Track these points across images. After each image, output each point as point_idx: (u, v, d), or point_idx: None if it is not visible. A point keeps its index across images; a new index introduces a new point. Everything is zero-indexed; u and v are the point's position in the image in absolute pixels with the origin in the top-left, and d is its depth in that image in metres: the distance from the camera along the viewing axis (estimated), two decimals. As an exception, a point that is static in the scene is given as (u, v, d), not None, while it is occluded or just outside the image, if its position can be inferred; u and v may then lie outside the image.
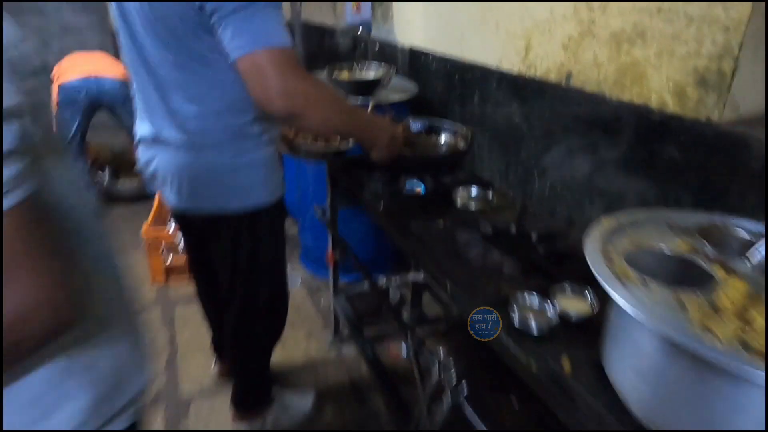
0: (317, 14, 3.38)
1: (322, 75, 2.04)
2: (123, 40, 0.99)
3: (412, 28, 2.25)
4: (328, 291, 2.04)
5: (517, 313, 0.80)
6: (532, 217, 1.21)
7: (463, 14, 1.87)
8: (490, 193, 1.24)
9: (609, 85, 1.33)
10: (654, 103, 1.22)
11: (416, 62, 2.24)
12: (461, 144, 1.38)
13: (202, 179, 1.00)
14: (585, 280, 0.91)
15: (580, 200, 1.51)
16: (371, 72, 2.05)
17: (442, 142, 1.45)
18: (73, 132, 2.90)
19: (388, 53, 2.48)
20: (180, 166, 1.00)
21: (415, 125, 1.49)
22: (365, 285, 1.91)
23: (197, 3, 0.82)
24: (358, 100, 1.88)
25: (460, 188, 1.25)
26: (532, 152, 1.66)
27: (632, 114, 1.28)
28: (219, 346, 1.41)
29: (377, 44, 2.58)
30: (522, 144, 1.70)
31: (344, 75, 1.97)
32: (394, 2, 2.34)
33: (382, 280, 2.02)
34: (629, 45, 1.25)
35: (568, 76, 1.45)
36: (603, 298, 0.82)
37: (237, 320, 1.22)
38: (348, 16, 2.93)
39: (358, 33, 2.80)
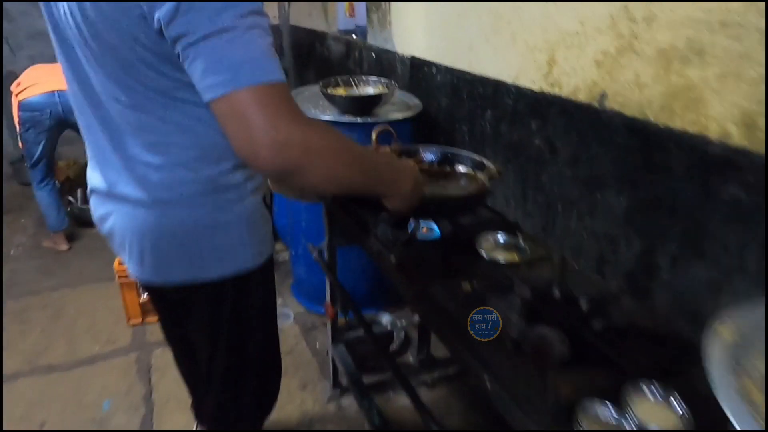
0: (307, 18, 3.17)
1: (314, 89, 1.83)
2: (62, 66, 0.78)
3: (413, 36, 2.05)
4: (326, 330, 1.83)
5: None
6: (569, 268, 1.02)
7: (472, 23, 1.68)
8: (520, 240, 1.04)
9: (654, 109, 1.14)
10: (713, 133, 1.03)
11: (418, 74, 2.04)
12: (482, 178, 1.18)
13: (169, 244, 0.79)
14: (663, 374, 0.71)
15: (615, 239, 1.32)
16: (370, 87, 1.84)
17: (461, 177, 1.25)
18: (38, 154, 2.64)
19: (385, 63, 2.28)
20: (141, 229, 0.79)
21: (428, 155, 1.29)
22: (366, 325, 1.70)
23: (155, 26, 0.62)
24: (356, 119, 1.68)
25: (485, 235, 1.05)
26: (556, 180, 1.47)
27: (684, 144, 1.09)
28: (200, 412, 1.21)
29: (373, 52, 2.38)
30: (543, 170, 1.51)
31: (340, 91, 1.76)
32: (392, 7, 2.14)
33: (385, 319, 1.82)
34: (681, 64, 1.06)
35: (603, 96, 1.26)
36: (701, 408, 0.63)
37: (221, 397, 1.02)
38: (341, 21, 2.72)
39: (353, 39, 2.59)
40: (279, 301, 1.66)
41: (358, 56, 2.56)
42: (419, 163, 1.25)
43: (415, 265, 1.00)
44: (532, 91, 1.48)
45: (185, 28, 0.61)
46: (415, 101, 1.92)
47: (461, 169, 1.25)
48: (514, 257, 1.02)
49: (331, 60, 2.91)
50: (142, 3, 0.62)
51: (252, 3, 0.63)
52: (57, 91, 2.52)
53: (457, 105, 1.84)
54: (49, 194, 2.72)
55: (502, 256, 1.01)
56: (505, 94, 1.60)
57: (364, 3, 2.40)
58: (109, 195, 0.81)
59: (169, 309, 0.94)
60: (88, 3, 0.66)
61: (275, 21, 3.54)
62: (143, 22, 0.63)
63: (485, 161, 1.21)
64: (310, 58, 3.24)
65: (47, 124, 2.58)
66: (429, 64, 1.96)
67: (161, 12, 0.61)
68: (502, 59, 1.58)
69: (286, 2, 3.19)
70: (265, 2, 3.57)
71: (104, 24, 0.66)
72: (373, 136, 1.25)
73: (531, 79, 1.48)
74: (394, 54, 2.19)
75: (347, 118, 1.69)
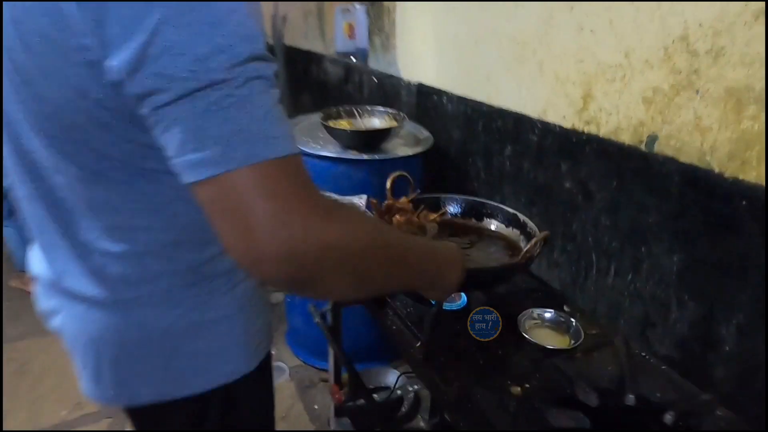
0: (303, 39, 3.00)
1: (313, 119, 1.65)
2: None
3: (421, 62, 1.88)
4: (325, 389, 1.63)
5: None
6: (634, 355, 0.84)
7: (491, 49, 1.51)
8: (572, 321, 0.86)
9: (720, 158, 0.97)
10: (800, 190, 0.86)
11: (425, 103, 1.87)
12: (522, 244, 1.00)
13: (134, 356, 0.59)
14: None
15: (664, 301, 1.14)
16: (376, 119, 1.67)
17: (491, 235, 1.07)
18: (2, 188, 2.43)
19: (389, 89, 2.11)
20: (97, 337, 0.58)
21: (452, 206, 1.11)
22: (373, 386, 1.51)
23: (112, 77, 0.43)
24: (361, 155, 1.50)
25: (527, 311, 0.87)
26: (590, 228, 1.29)
27: (758, 200, 0.92)
28: None
29: (375, 77, 2.21)
30: (575, 216, 1.33)
31: (343, 123, 1.59)
32: (397, 29, 1.98)
33: (392, 378, 1.63)
34: (757, 107, 0.89)
35: (652, 139, 1.09)
36: None
37: None
38: (339, 42, 2.56)
39: (352, 62, 2.43)
40: (272, 352, 1.46)
41: (358, 81, 2.40)
42: (440, 216, 1.07)
43: (446, 354, 0.81)
44: (562, 128, 1.32)
45: (156, 82, 0.42)
46: (424, 133, 1.74)
47: (492, 225, 1.07)
48: (566, 341, 0.84)
49: (329, 84, 2.74)
50: (87, 42, 0.43)
51: (252, 43, 0.45)
52: None
53: (471, 138, 1.67)
54: (16, 230, 2.51)
55: (551, 340, 0.83)
56: (528, 129, 1.43)
57: (364, 24, 2.24)
58: (57, 288, 0.61)
59: (138, 420, 0.74)
60: (18, 44, 0.47)
61: (269, 41, 3.39)
62: (92, 70, 0.44)
63: (521, 217, 1.03)
64: (306, 81, 3.07)
65: None
66: (439, 93, 1.79)
67: (119, 58, 0.42)
68: (526, 91, 1.41)
69: (280, 20, 3.04)
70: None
71: (39, 73, 0.47)
72: (388, 184, 1.07)
73: (561, 115, 1.31)
74: (398, 80, 2.03)
75: (351, 155, 1.51)
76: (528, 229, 1.00)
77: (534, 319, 0.87)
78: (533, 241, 0.88)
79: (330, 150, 1.53)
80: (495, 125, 1.56)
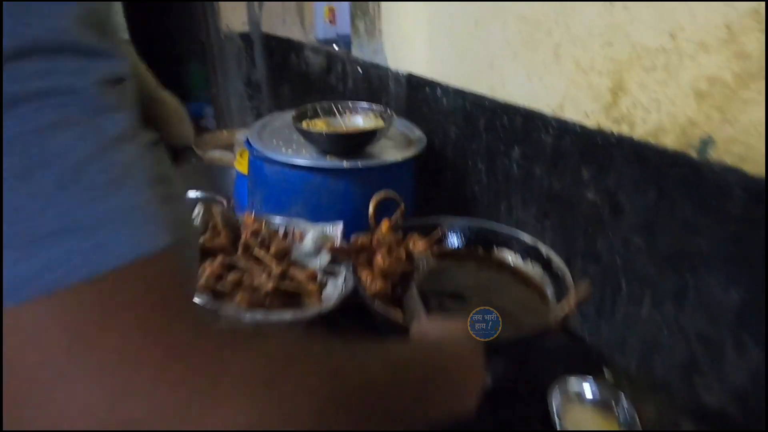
0: (281, 25, 2.74)
1: (286, 118, 1.40)
2: None
3: (411, 48, 1.63)
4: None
5: None
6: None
7: (495, 30, 1.27)
8: (621, 397, 0.64)
9: (804, 168, 0.74)
10: None
11: (416, 96, 1.63)
12: (536, 275, 0.77)
13: None
14: None
15: (717, 342, 0.92)
16: (359, 117, 1.42)
17: (505, 270, 0.83)
18: None
19: (375, 80, 1.87)
20: None
21: (452, 237, 0.87)
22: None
23: None
24: (341, 163, 1.26)
25: (561, 387, 0.64)
26: (620, 248, 1.06)
27: None
28: None
29: (360, 67, 1.96)
30: (599, 233, 1.10)
31: (319, 124, 1.34)
32: (382, 12, 1.73)
33: None
34: None
35: (706, 142, 0.86)
36: None
37: None
38: (319, 28, 2.31)
39: (334, 50, 2.18)
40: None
41: (341, 71, 2.14)
42: (434, 244, 0.83)
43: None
44: (584, 128, 1.08)
45: None
46: (416, 133, 1.50)
47: (506, 257, 0.84)
48: (613, 424, 0.61)
49: (310, 75, 2.48)
50: None
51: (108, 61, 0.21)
52: None
53: (470, 137, 1.43)
54: None
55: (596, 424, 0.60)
56: (541, 127, 1.19)
57: (347, 6, 1.99)
58: None
59: None
60: None
61: (245, 28, 3.12)
62: None
63: (544, 249, 0.80)
64: (286, 72, 2.81)
65: None
66: (432, 85, 1.54)
67: None
68: (538, 82, 1.17)
69: (256, 3, 2.77)
70: (231, 3, 3.07)
71: None
72: (371, 209, 0.84)
73: (583, 111, 1.07)
74: (385, 70, 1.78)
75: (329, 162, 1.26)
76: (554, 268, 0.77)
77: (568, 397, 0.64)
78: (572, 299, 0.65)
79: (304, 157, 1.28)
80: (499, 123, 1.32)
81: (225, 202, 0.89)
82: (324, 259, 0.89)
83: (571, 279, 0.75)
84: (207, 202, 0.93)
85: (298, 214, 1.31)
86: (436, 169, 1.61)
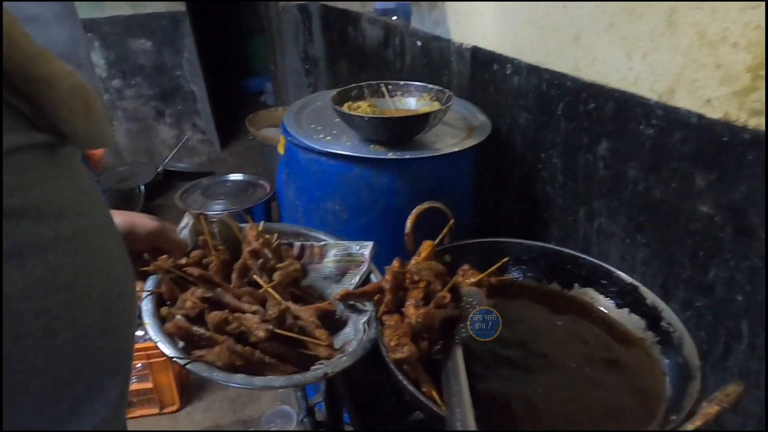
0: (338, -4, 2.54)
1: (326, 98, 1.20)
2: None
3: (477, 19, 1.39)
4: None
5: None
6: None
7: (583, -5, 1.01)
8: None
9: None
10: None
11: (483, 73, 1.39)
12: (636, 328, 0.54)
13: None
14: None
15: None
16: (412, 99, 1.20)
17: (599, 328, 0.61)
18: None
19: (435, 54, 1.63)
20: None
21: (518, 267, 0.65)
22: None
23: None
24: (386, 153, 1.05)
25: None
26: (743, 282, 0.80)
27: None
28: None
29: (419, 40, 1.73)
30: (714, 260, 0.84)
31: (363, 106, 1.14)
32: (447, -24, 1.48)
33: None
34: None
35: None
36: None
37: None
38: (378, -2, 2.09)
39: (393, 22, 1.95)
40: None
41: (399, 45, 1.92)
42: (495, 278, 0.61)
43: None
44: (704, 119, 0.81)
45: None
46: (479, 118, 1.27)
47: (603, 305, 0.61)
48: None
49: (367, 49, 2.27)
50: None
51: None
52: None
53: (545, 126, 1.18)
54: None
55: None
56: (640, 116, 0.93)
57: (408, -27, 1.75)
58: None
59: None
60: None
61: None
62: None
63: (648, 295, 0.56)
64: (343, 46, 2.62)
65: None
66: (501, 60, 1.30)
67: None
68: (641, 59, 0.91)
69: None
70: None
71: None
72: (408, 225, 0.63)
73: (705, 98, 0.81)
74: (447, 43, 1.54)
75: (371, 152, 1.06)
76: (663, 325, 0.53)
77: None
78: (719, 402, 0.42)
79: (342, 145, 1.09)
80: (584, 109, 1.06)
81: (247, 216, 0.71)
82: (348, 285, 0.69)
83: (692, 345, 0.51)
84: (218, 215, 0.73)
85: (333, 212, 1.13)
86: (500, 163, 1.37)
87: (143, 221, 0.62)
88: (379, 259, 1.13)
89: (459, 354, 0.50)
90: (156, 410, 1.72)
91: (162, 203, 3.10)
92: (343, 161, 1.07)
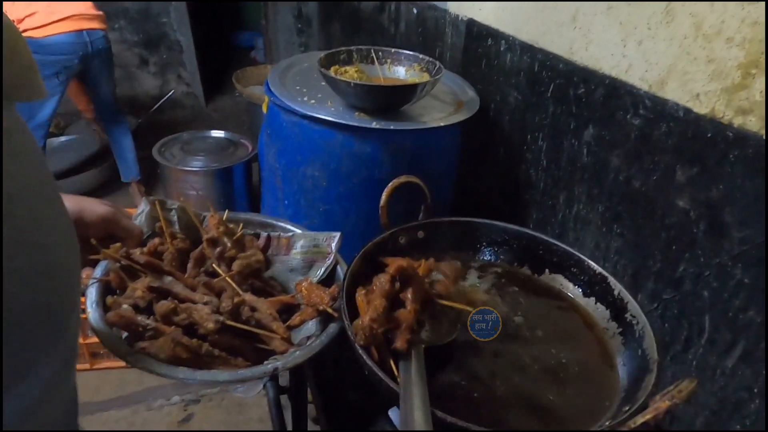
0: (336, -47, 2.45)
1: (315, 60, 1.16)
2: None
3: (476, -10, 1.35)
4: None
5: None
6: None
7: (584, -26, 0.98)
8: None
9: None
10: None
11: (476, 47, 1.36)
12: (600, 317, 0.54)
13: None
14: None
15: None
16: (401, 68, 1.17)
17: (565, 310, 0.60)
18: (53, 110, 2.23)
19: (430, 24, 1.59)
20: None
21: (492, 248, 0.64)
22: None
23: None
24: (370, 122, 1.03)
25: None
26: (711, 279, 0.81)
27: None
28: None
29: (415, 8, 1.68)
30: (685, 254, 0.85)
31: (350, 72, 1.10)
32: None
33: None
34: None
35: None
36: None
37: None
38: (376, -41, 2.01)
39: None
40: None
41: (394, 10, 1.87)
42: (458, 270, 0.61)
43: None
44: (690, 113, 0.81)
45: None
46: (469, 93, 1.24)
47: (559, 285, 0.61)
48: None
49: (361, 12, 2.21)
50: None
51: None
52: (86, 29, 2.20)
53: (534, 106, 1.17)
54: None
55: None
56: (629, 105, 0.92)
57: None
58: None
59: None
60: None
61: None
62: None
63: (615, 286, 0.56)
64: (337, 8, 2.54)
65: (73, 71, 2.22)
66: (496, 36, 1.27)
67: None
68: (636, 46, 0.89)
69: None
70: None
71: None
72: (383, 197, 0.62)
73: (694, 92, 0.80)
74: (444, 13, 1.50)
75: (355, 119, 1.04)
76: (628, 317, 0.53)
77: None
78: (672, 398, 0.42)
79: (327, 110, 1.06)
80: (574, 93, 1.04)
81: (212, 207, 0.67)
82: (313, 277, 0.67)
83: (652, 339, 0.51)
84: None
85: (313, 177, 1.11)
86: (486, 141, 1.35)
87: (93, 206, 0.59)
88: (356, 228, 1.11)
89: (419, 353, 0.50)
90: (123, 363, 1.71)
91: (141, 156, 3.03)
92: (326, 127, 1.04)
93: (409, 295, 0.54)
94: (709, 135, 0.78)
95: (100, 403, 1.60)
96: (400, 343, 0.51)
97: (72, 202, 0.56)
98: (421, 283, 0.57)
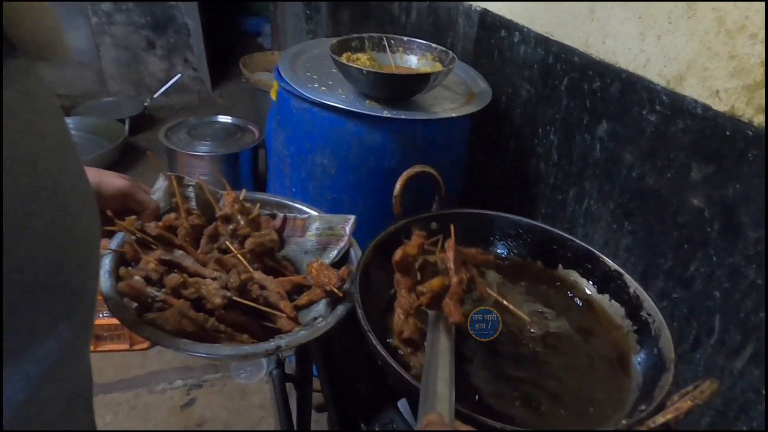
0: (347, -61, 2.42)
1: (326, 47, 1.15)
2: None
3: (491, -21, 1.33)
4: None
5: None
6: None
7: (604, -35, 0.96)
8: None
9: None
10: None
11: (489, 38, 1.34)
12: (616, 314, 0.53)
13: None
14: None
15: None
16: (413, 57, 1.16)
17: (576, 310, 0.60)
18: None
19: (442, 13, 1.57)
20: None
21: (501, 242, 0.64)
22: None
23: None
24: (381, 111, 1.02)
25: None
26: (723, 280, 0.81)
27: None
28: None
29: (427, -4, 1.66)
30: (697, 254, 0.84)
31: (363, 60, 1.09)
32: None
33: None
34: None
35: None
36: None
37: None
38: (389, -55, 1.99)
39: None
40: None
41: (405, -1, 1.84)
42: (480, 256, 0.60)
43: None
44: (709, 110, 0.79)
45: None
46: (480, 85, 1.23)
47: (585, 288, 0.60)
48: None
49: (371, 1, 2.18)
50: None
51: None
52: None
53: (547, 100, 1.15)
54: None
55: None
56: (644, 101, 0.90)
57: None
58: None
59: None
60: None
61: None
62: None
63: (631, 284, 0.56)
64: (348, -6, 2.51)
65: None
66: (509, 27, 1.25)
67: None
68: (654, 41, 0.88)
69: None
70: None
71: None
72: (397, 187, 0.61)
73: (714, 89, 0.78)
74: (456, 3, 1.48)
75: (366, 108, 1.03)
76: (643, 315, 0.53)
77: None
78: (693, 398, 0.41)
79: (337, 97, 1.05)
80: (588, 87, 1.03)
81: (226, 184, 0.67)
82: (326, 259, 0.66)
83: (669, 338, 0.51)
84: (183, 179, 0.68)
85: (322, 165, 1.10)
86: (496, 134, 1.34)
87: (112, 179, 0.60)
88: (364, 217, 1.11)
89: (443, 336, 0.49)
90: (126, 346, 1.72)
91: (146, 139, 3.02)
92: (337, 114, 1.03)
93: (451, 264, 0.53)
94: (727, 133, 0.77)
95: (102, 385, 1.60)
96: (457, 317, 0.50)
97: (91, 174, 0.56)
98: (456, 252, 0.55)
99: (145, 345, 1.74)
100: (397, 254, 0.55)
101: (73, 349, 0.37)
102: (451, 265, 0.53)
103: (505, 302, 0.55)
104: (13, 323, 0.30)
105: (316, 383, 0.96)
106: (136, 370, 1.67)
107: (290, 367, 0.96)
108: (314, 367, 0.95)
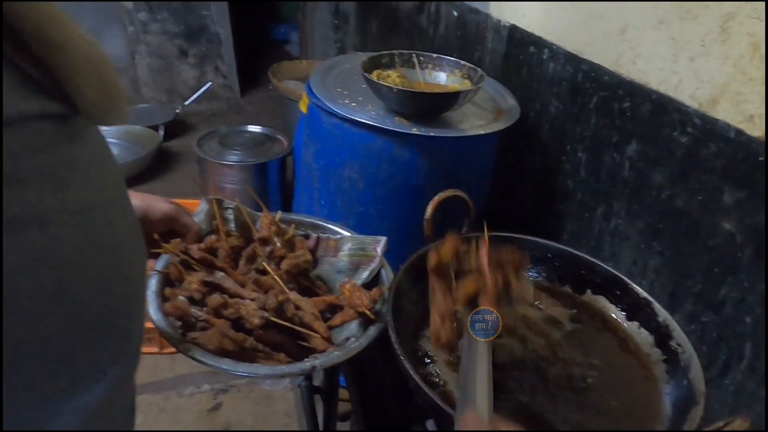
0: (377, -49, 2.45)
1: (357, 62, 1.17)
2: None
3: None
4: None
5: None
6: None
7: (636, -14, 0.96)
8: None
9: None
10: None
11: (518, 55, 1.35)
12: (643, 342, 0.54)
13: None
14: None
15: None
16: (442, 74, 1.17)
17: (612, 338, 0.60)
18: None
19: (471, 28, 1.58)
20: None
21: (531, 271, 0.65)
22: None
23: None
24: (410, 128, 1.03)
25: None
26: (754, 305, 0.80)
27: None
28: None
29: (455, 11, 1.68)
30: (728, 278, 0.83)
31: (392, 76, 1.11)
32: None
33: None
34: None
35: None
36: None
37: None
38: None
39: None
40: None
41: (434, 12, 1.86)
42: (514, 255, 0.60)
43: None
44: (742, 135, 0.79)
45: None
46: (509, 101, 1.24)
47: (613, 314, 0.61)
48: None
49: (400, 11, 2.21)
50: None
51: None
52: None
53: (575, 117, 1.15)
54: None
55: None
56: (676, 123, 0.90)
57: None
58: None
59: None
60: None
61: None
62: None
63: (660, 312, 0.56)
64: (376, 4, 2.54)
65: None
66: (539, 43, 1.26)
67: None
68: (687, 63, 0.87)
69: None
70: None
71: None
72: (429, 210, 0.62)
73: (747, 113, 0.78)
74: (485, 17, 1.49)
75: (395, 124, 1.04)
76: (672, 345, 0.53)
77: None
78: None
79: (367, 113, 1.07)
80: (618, 106, 1.03)
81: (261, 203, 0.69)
82: (358, 280, 0.68)
83: (700, 370, 0.51)
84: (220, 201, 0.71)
85: (350, 179, 1.12)
86: (523, 150, 1.35)
87: (159, 204, 0.63)
88: (391, 231, 1.12)
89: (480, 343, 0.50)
90: (156, 349, 1.77)
91: (178, 145, 3.10)
92: (367, 130, 1.05)
93: (484, 259, 0.53)
94: (761, 158, 0.76)
95: (132, 386, 1.65)
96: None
97: (139, 200, 0.59)
98: (487, 251, 0.55)
99: (174, 349, 1.78)
100: (432, 260, 0.56)
101: (118, 387, 0.38)
102: (485, 265, 0.54)
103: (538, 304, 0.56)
104: (66, 369, 0.32)
105: (342, 392, 0.98)
106: (165, 372, 1.72)
107: (317, 377, 0.98)
108: (341, 377, 0.97)
